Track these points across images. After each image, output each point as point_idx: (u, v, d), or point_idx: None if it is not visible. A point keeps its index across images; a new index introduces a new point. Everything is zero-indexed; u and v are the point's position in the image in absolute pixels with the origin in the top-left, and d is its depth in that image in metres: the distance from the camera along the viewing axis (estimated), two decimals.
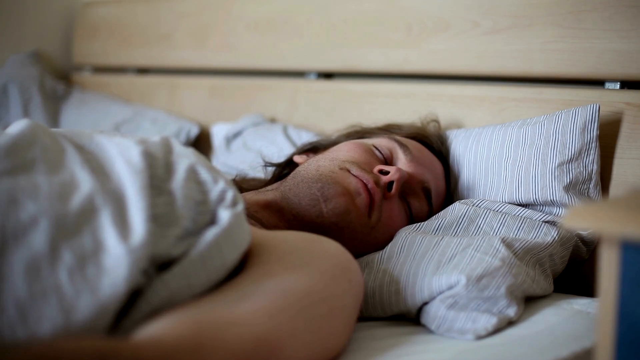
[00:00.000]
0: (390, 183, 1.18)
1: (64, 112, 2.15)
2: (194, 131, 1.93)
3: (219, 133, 1.86)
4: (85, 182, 0.84)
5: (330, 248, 1.00)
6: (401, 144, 1.27)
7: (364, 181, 1.16)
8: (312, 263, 0.94)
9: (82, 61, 2.40)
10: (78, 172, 0.86)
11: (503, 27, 1.44)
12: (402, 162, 1.25)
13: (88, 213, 0.80)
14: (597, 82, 1.35)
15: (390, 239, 1.18)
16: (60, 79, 2.33)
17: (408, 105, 1.57)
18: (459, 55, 1.51)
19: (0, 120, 2.09)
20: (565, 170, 1.21)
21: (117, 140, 0.94)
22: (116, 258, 0.77)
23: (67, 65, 2.43)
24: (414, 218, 1.23)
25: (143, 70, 2.27)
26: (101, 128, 1.96)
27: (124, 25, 2.29)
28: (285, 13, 1.87)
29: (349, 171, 1.17)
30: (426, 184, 1.25)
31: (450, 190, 1.35)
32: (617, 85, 1.31)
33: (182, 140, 1.90)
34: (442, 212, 1.22)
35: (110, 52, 2.32)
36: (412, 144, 1.30)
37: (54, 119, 2.13)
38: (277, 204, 1.18)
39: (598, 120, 1.22)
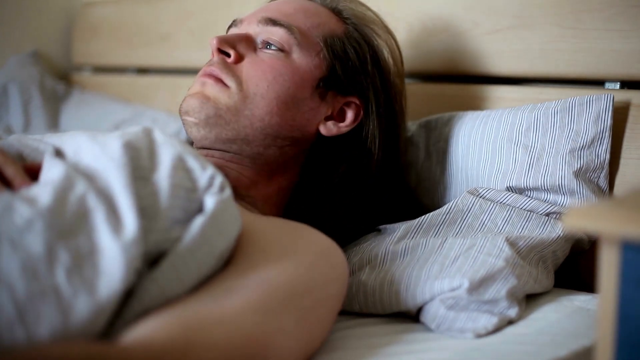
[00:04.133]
0: (218, 51, 1.20)
1: (64, 112, 2.15)
2: None
3: None
4: (78, 184, 0.83)
5: (310, 235, 1.00)
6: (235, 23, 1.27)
7: (200, 74, 1.20)
8: (294, 254, 0.94)
9: (81, 61, 2.40)
10: (70, 173, 0.85)
11: (503, 27, 1.44)
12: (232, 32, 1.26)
13: (82, 214, 0.80)
14: (597, 82, 1.34)
15: (283, 97, 1.17)
16: (60, 79, 2.33)
17: (408, 106, 1.56)
18: (459, 55, 1.51)
19: (0, 120, 2.09)
20: (576, 156, 1.20)
21: (97, 137, 0.93)
22: (112, 258, 0.77)
23: (67, 65, 2.42)
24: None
25: (143, 70, 2.27)
26: (101, 128, 1.96)
27: (124, 25, 2.28)
28: None
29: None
30: (262, 16, 1.21)
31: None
32: (617, 85, 1.31)
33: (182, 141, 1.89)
34: (449, 204, 1.21)
35: (110, 52, 2.32)
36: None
37: (54, 119, 2.13)
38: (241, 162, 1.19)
39: (612, 110, 1.21)
